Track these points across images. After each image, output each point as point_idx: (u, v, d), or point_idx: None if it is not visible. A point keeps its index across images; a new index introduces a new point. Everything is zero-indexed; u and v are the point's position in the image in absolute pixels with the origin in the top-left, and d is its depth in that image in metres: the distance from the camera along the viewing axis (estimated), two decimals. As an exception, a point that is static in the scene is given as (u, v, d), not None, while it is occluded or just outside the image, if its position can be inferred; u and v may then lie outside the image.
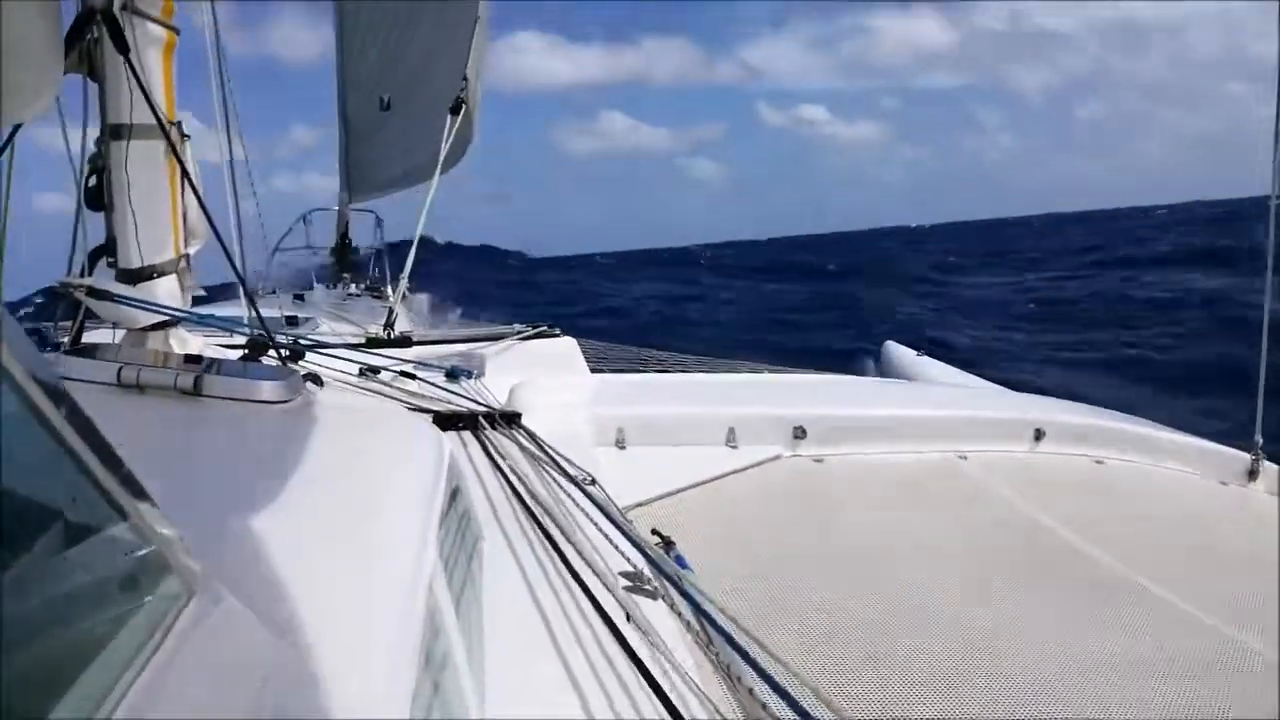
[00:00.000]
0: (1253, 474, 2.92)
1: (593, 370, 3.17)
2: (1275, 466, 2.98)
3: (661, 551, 1.79)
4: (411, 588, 0.85)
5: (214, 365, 1.55)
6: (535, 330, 3.05)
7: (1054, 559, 2.21)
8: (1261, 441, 2.99)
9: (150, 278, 1.95)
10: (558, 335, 3.09)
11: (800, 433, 2.81)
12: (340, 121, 6.01)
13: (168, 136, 1.90)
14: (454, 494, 1.40)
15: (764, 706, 1.01)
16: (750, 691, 1.03)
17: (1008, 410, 3.15)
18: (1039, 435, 2.95)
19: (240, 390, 1.41)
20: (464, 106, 3.31)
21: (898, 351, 5.17)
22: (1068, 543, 2.30)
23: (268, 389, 1.43)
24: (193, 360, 1.60)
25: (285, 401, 1.42)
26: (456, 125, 3.26)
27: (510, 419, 2.26)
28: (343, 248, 6.36)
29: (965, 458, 2.85)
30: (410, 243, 3.11)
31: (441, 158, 3.16)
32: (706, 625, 1.34)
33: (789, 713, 1.09)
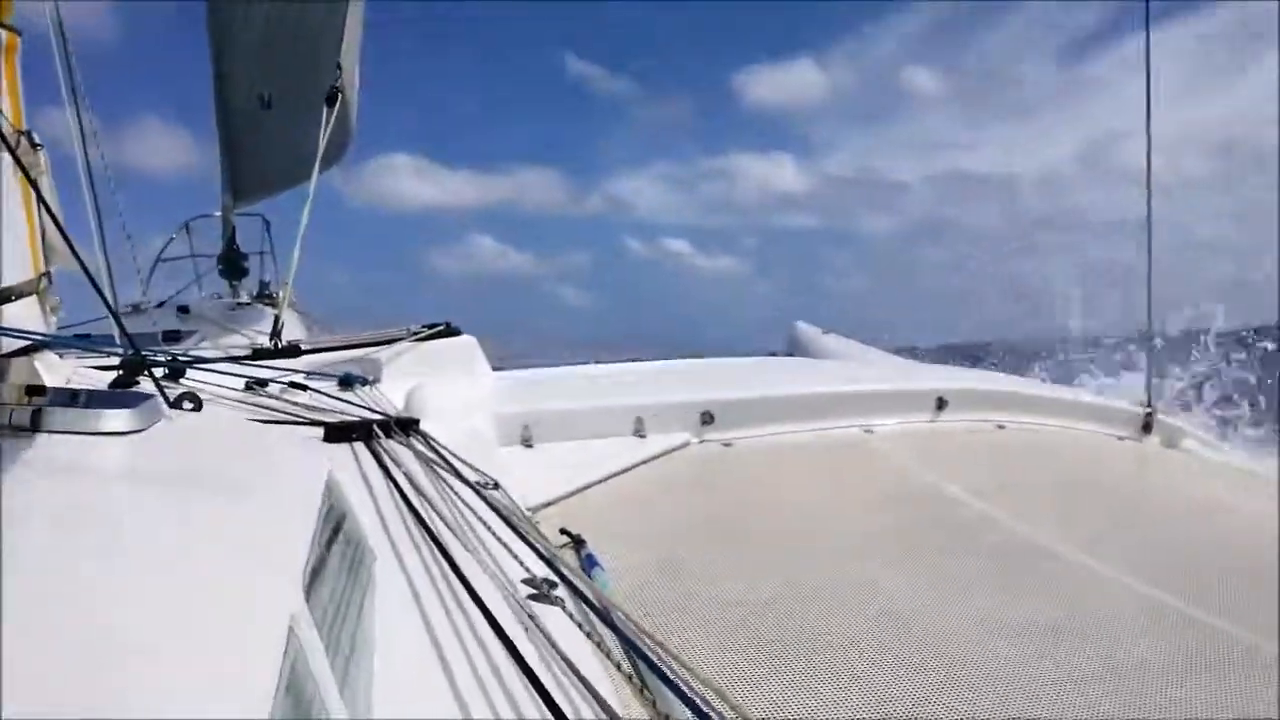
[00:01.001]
0: (1147, 427, 3.01)
1: (495, 368, 3.08)
2: (1168, 419, 3.08)
3: (566, 554, 1.73)
4: (267, 634, 0.77)
5: (65, 395, 1.41)
6: (433, 330, 2.94)
7: (961, 525, 2.23)
8: (1152, 396, 3.09)
9: (7, 300, 1.79)
10: (457, 334, 2.98)
11: (708, 418, 2.78)
12: (218, 121, 5.73)
13: (10, 148, 1.74)
14: (339, 516, 1.30)
15: (666, 718, 0.96)
16: (654, 703, 0.98)
17: (911, 382, 3.19)
18: (941, 404, 2.99)
19: (82, 423, 1.26)
20: (340, 96, 3.16)
21: (806, 331, 5.22)
22: (973, 508, 2.33)
23: (114, 419, 1.29)
24: (36, 391, 1.45)
25: (138, 431, 1.30)
26: (333, 117, 3.11)
27: (407, 425, 2.16)
28: (230, 255, 6.06)
29: (871, 431, 2.87)
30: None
31: (320, 152, 3.01)
32: (611, 631, 1.28)
33: (692, 718, 1.04)
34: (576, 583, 1.38)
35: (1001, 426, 2.98)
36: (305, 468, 1.33)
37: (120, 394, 1.57)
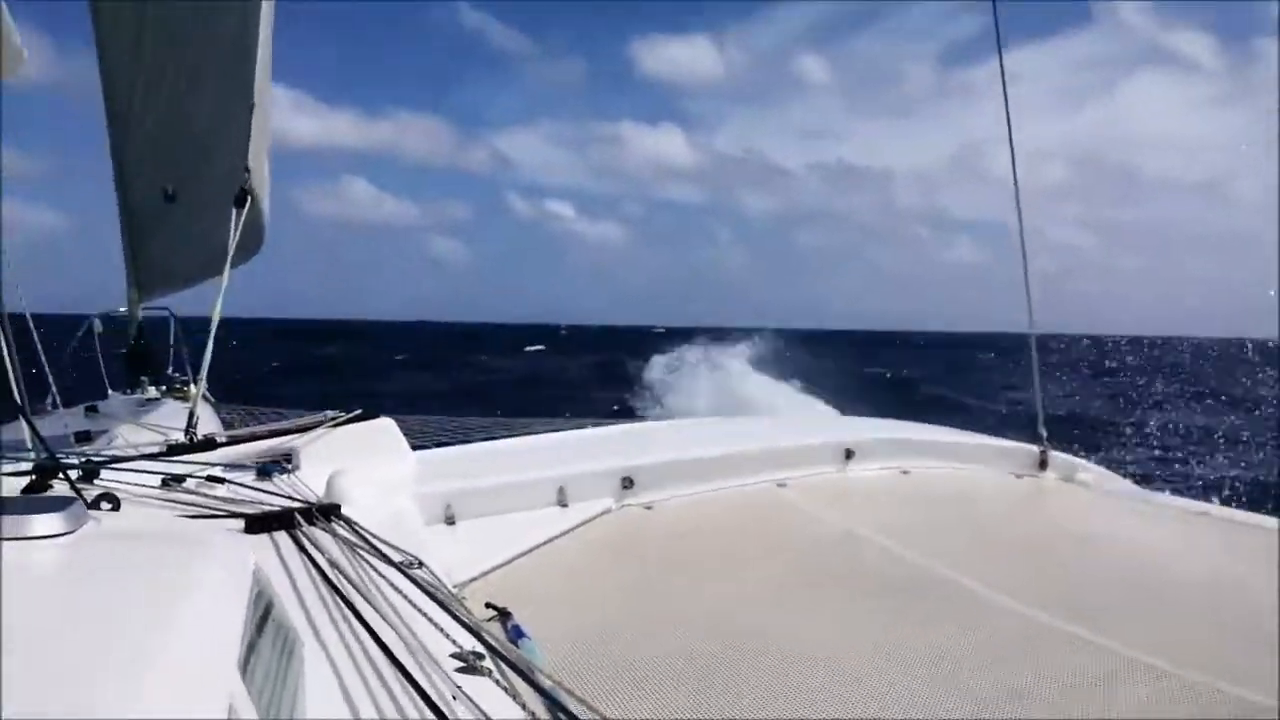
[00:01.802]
0: (1043, 464, 3.21)
1: (414, 447, 3.12)
2: (1062, 455, 3.29)
3: (493, 625, 1.79)
4: (209, 715, 0.83)
5: None
6: (349, 415, 2.97)
7: (870, 566, 2.36)
8: (1046, 434, 3.30)
9: None
10: (373, 417, 3.02)
11: (628, 483, 2.88)
12: (121, 214, 5.67)
13: None
14: (266, 603, 1.35)
15: None
16: None
17: (820, 435, 3.35)
18: (849, 455, 3.15)
19: (12, 529, 1.29)
20: (250, 198, 3.22)
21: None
22: (882, 548, 2.46)
23: (42, 523, 1.32)
24: None
25: (67, 533, 1.33)
26: (243, 218, 3.16)
27: (328, 511, 2.20)
28: (136, 350, 5.95)
29: (785, 485, 3.00)
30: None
31: (230, 252, 3.05)
32: (542, 696, 1.35)
33: None
34: (504, 651, 1.45)
35: (906, 472, 3.15)
36: (230, 559, 1.38)
37: (41, 499, 1.59)
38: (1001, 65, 3.37)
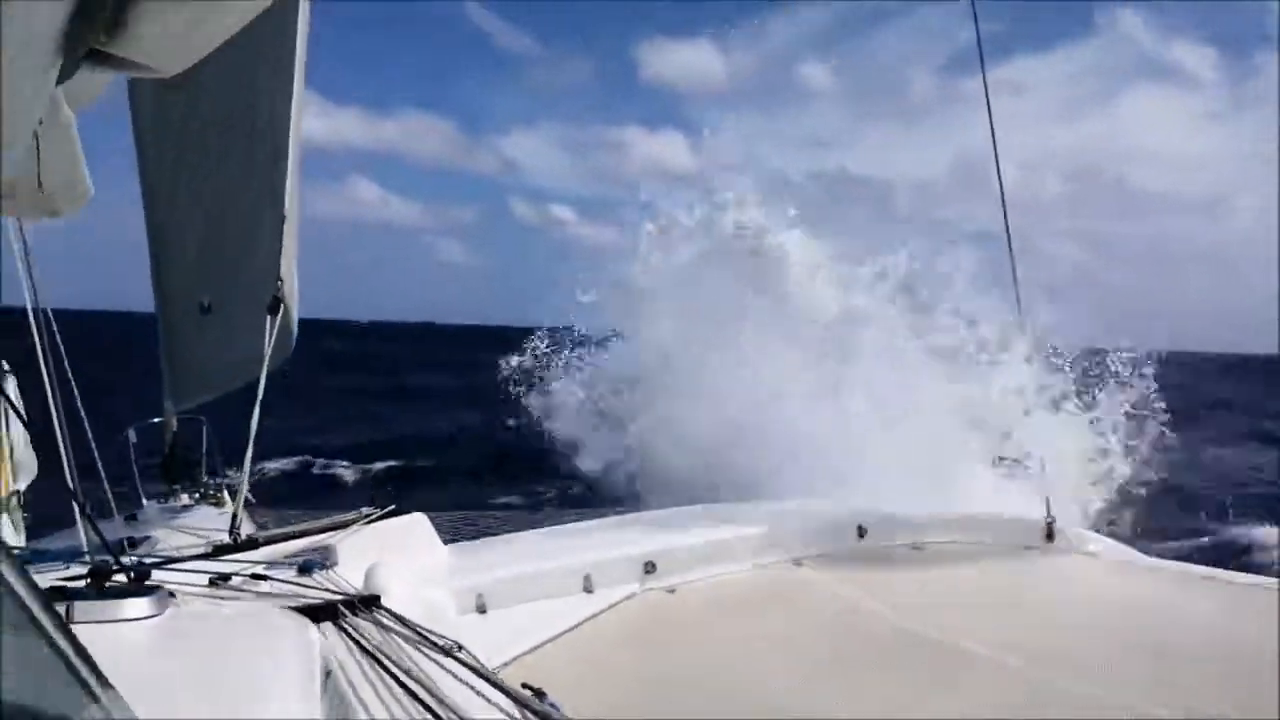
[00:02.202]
0: (1050, 535, 3.28)
1: (445, 541, 3.24)
2: (1070, 528, 3.36)
3: (535, 699, 1.88)
4: None
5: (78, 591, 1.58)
6: (383, 512, 3.10)
7: (891, 642, 2.43)
8: (1050, 504, 3.37)
9: None
10: (406, 513, 3.15)
11: (650, 567, 2.97)
12: (160, 328, 5.91)
13: None
14: (327, 678, 1.47)
15: None
16: None
17: (832, 514, 3.44)
18: (862, 532, 3.24)
19: (110, 612, 1.44)
20: (282, 305, 3.42)
21: None
22: (896, 624, 2.54)
23: (136, 606, 1.47)
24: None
25: (156, 615, 1.47)
26: (277, 326, 3.35)
27: (369, 602, 2.31)
28: (171, 458, 6.13)
29: (800, 563, 3.09)
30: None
31: (266, 360, 3.23)
32: None
33: None
34: (554, 715, 1.56)
35: (918, 547, 3.23)
36: (299, 638, 1.51)
37: (123, 587, 1.73)
38: (983, 67, 3.48)
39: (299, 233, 3.90)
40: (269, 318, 3.35)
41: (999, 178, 3.50)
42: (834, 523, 3.29)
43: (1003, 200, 3.42)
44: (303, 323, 4.18)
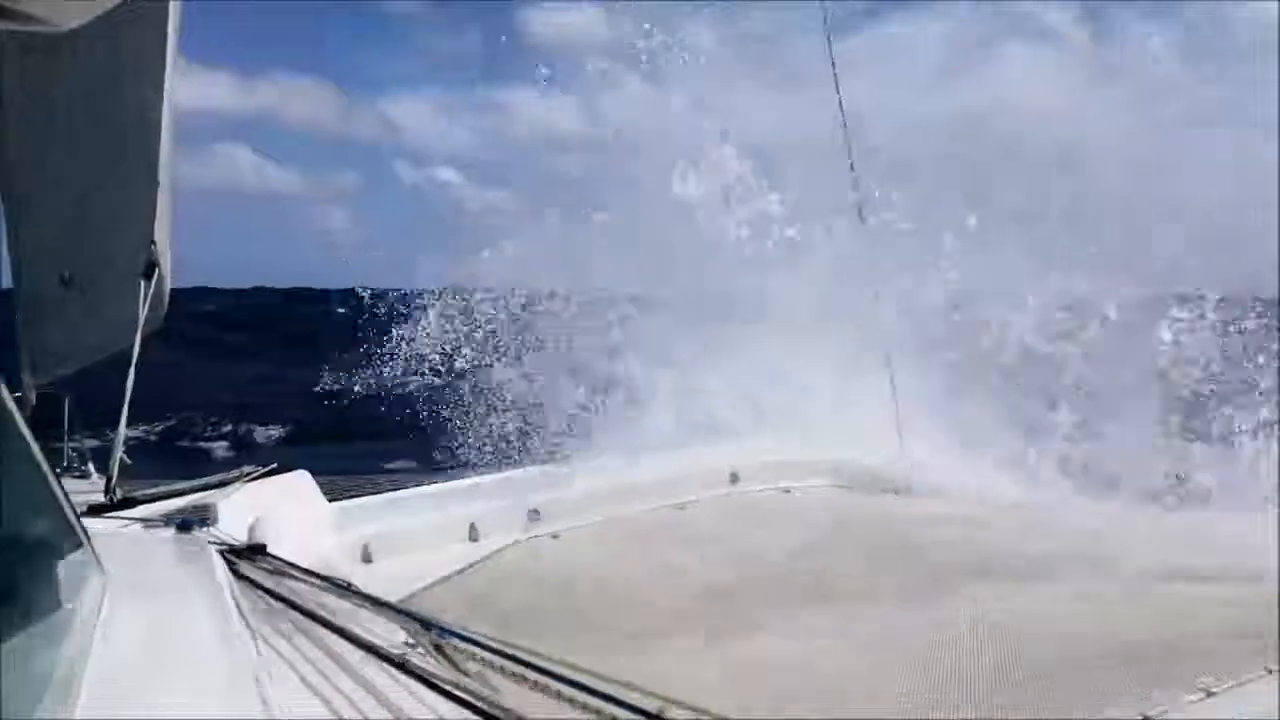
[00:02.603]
0: (907, 483, 3.56)
1: (331, 500, 3.27)
2: (924, 473, 3.64)
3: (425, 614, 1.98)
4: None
5: None
6: (265, 470, 3.12)
7: (761, 574, 2.63)
8: (908, 453, 3.65)
9: None
10: (290, 470, 3.17)
11: (535, 515, 3.09)
12: (18, 301, 5.62)
13: None
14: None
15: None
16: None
17: (709, 461, 3.63)
18: (734, 478, 3.44)
19: None
20: (156, 270, 3.37)
21: None
22: (771, 560, 2.74)
23: None
24: None
25: None
26: (151, 289, 3.31)
27: (257, 550, 2.35)
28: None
29: (682, 508, 3.27)
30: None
31: (140, 324, 3.19)
32: (484, 665, 1.56)
33: (553, 706, 1.35)
34: (455, 630, 1.67)
35: (788, 491, 3.46)
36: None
37: None
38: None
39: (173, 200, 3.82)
40: (143, 282, 3.29)
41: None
42: (712, 468, 3.49)
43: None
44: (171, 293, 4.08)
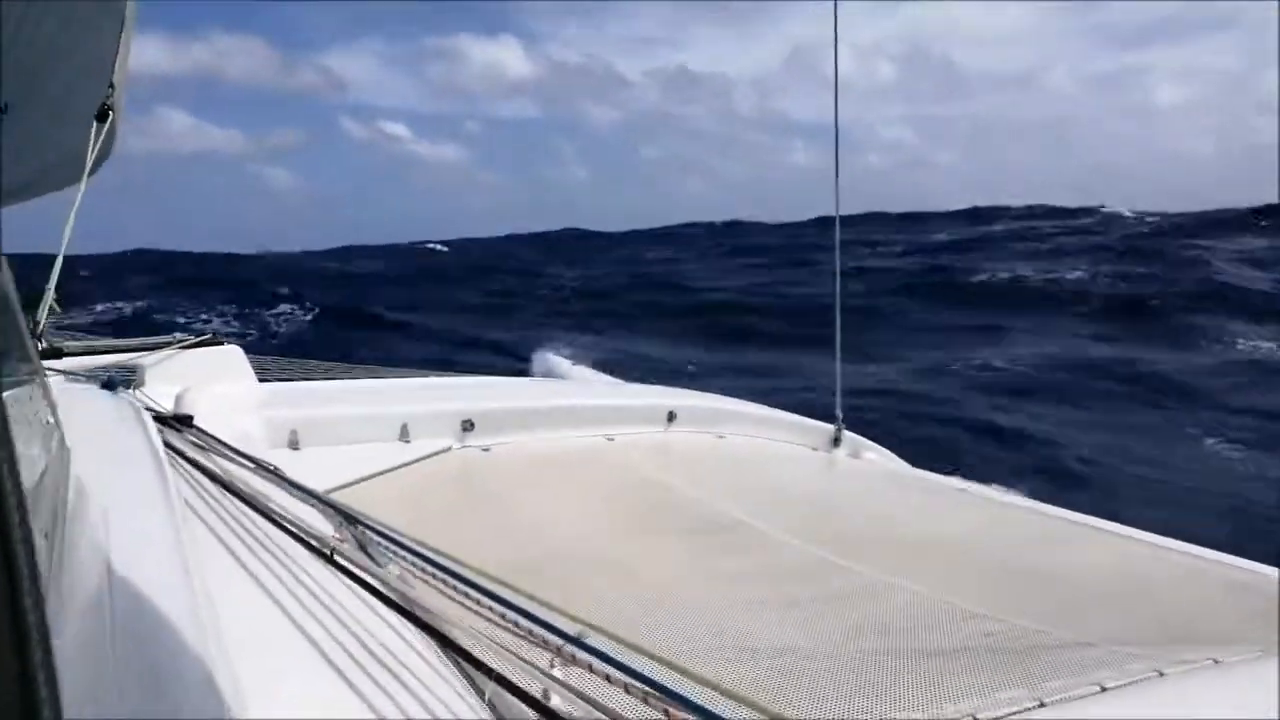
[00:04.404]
0: (836, 441, 3.64)
1: (261, 380, 3.21)
2: (854, 434, 3.73)
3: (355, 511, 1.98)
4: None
5: None
6: (198, 339, 3.04)
7: (682, 511, 2.68)
8: (841, 415, 3.73)
9: None
10: (222, 344, 3.10)
11: (468, 425, 3.08)
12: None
13: None
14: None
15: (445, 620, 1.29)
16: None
17: (646, 398, 3.66)
18: (671, 417, 3.48)
19: None
20: (110, 114, 3.20)
21: (553, 360, 5.67)
22: (694, 498, 2.79)
23: None
24: None
25: None
26: (104, 132, 3.15)
27: (183, 421, 2.31)
28: None
29: (612, 439, 3.30)
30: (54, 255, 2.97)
31: (88, 167, 3.05)
32: (407, 568, 1.58)
33: (473, 618, 1.37)
34: (377, 526, 1.67)
35: (721, 437, 3.51)
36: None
37: None
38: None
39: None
40: (95, 124, 3.13)
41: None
42: (647, 406, 3.51)
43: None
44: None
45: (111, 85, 3.19)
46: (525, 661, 1.17)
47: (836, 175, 3.40)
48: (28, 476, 1.11)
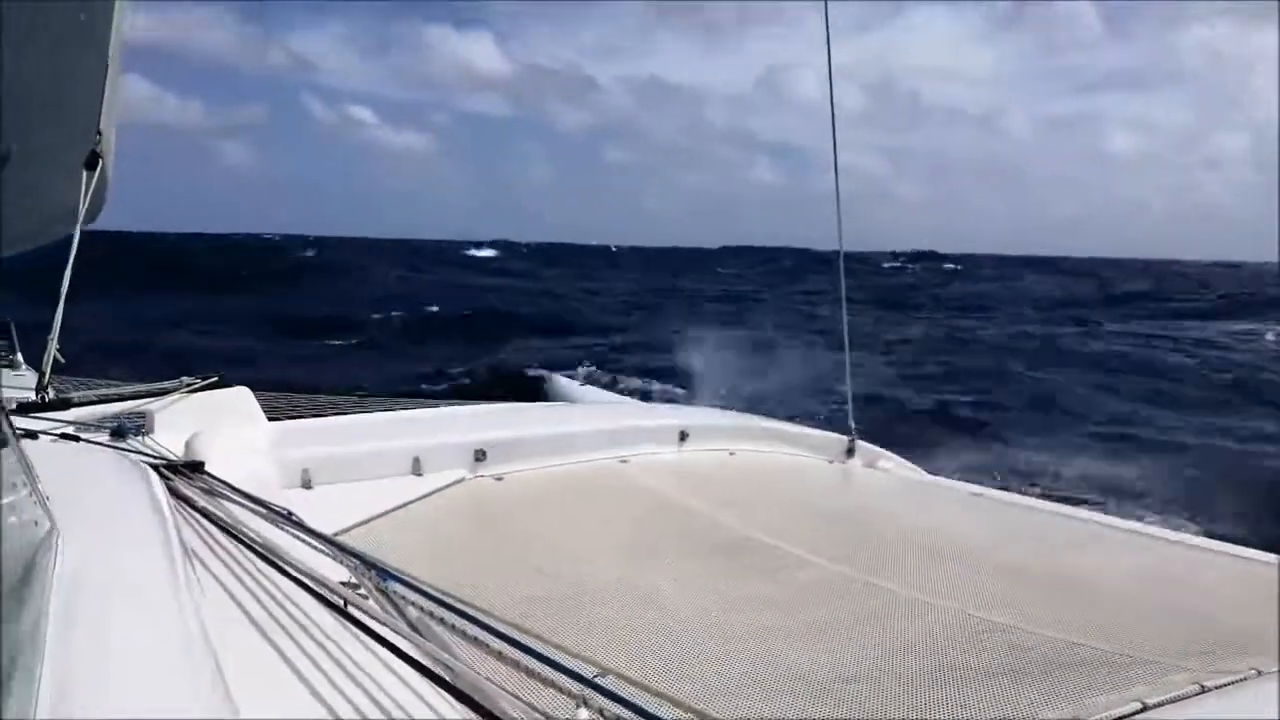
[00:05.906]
0: (850, 452, 3.59)
1: (271, 419, 3.18)
2: (867, 444, 3.69)
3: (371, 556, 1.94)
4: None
5: None
6: (205, 381, 3.01)
7: (703, 535, 2.63)
8: (854, 426, 3.68)
9: None
10: (229, 385, 3.07)
11: (481, 455, 3.04)
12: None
13: None
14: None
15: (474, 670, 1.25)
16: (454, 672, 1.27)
17: (657, 419, 3.63)
18: (683, 436, 3.44)
19: None
20: (100, 161, 3.19)
21: (563, 383, 5.68)
22: (712, 520, 2.74)
23: None
24: None
25: None
26: (95, 180, 3.14)
27: (194, 468, 2.28)
28: None
29: (626, 461, 3.25)
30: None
31: (81, 216, 3.03)
32: (425, 614, 1.54)
33: (491, 665, 1.33)
34: (392, 572, 1.63)
35: (733, 453, 3.47)
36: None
37: None
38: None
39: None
40: (85, 172, 3.12)
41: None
42: (659, 425, 3.47)
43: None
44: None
45: (99, 133, 3.19)
46: (547, 718, 1.14)
47: (838, 196, 3.38)
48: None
